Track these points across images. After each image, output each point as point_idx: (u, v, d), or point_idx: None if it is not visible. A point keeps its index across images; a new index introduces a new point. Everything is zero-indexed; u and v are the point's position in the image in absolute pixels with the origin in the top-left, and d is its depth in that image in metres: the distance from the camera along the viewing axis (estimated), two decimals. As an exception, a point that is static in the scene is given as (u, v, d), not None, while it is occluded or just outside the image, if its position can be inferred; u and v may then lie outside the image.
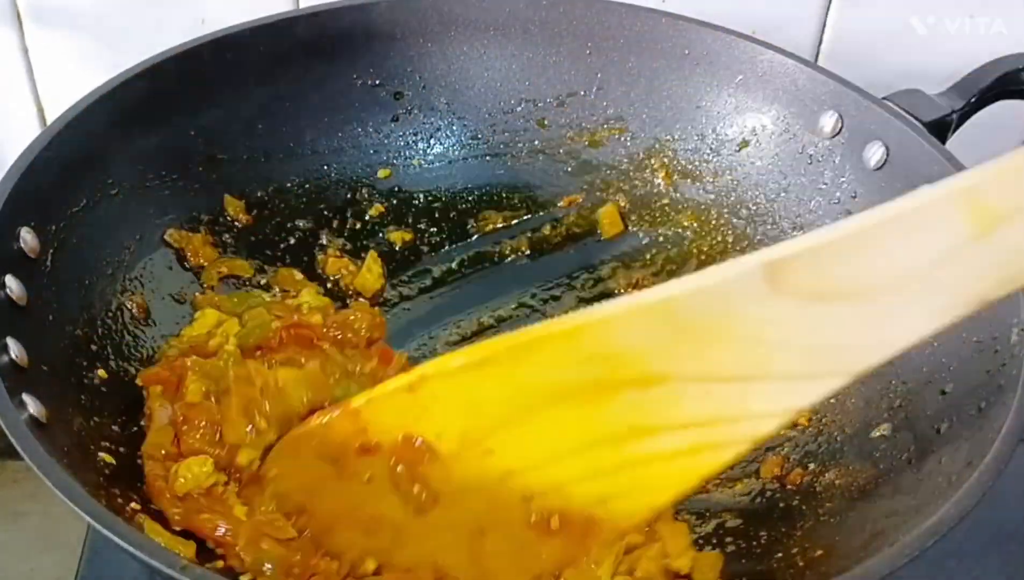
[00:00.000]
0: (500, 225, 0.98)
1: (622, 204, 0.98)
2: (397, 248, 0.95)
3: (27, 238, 0.69)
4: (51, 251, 0.71)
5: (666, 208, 0.97)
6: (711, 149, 0.97)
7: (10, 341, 0.63)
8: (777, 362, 0.44)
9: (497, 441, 0.51)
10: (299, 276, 0.90)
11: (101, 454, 0.67)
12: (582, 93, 0.97)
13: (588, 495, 0.51)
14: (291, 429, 0.65)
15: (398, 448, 0.53)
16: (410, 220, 0.97)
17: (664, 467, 0.49)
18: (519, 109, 0.99)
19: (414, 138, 0.99)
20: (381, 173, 0.97)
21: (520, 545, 0.53)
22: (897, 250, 0.41)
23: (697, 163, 0.97)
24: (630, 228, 0.97)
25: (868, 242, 0.41)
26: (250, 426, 0.66)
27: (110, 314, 0.77)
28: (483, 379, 0.50)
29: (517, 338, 0.50)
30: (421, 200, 0.98)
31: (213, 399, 0.69)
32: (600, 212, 0.98)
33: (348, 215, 0.95)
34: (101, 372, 0.73)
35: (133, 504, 0.64)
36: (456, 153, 1.00)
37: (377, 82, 0.96)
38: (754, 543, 0.72)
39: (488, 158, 0.99)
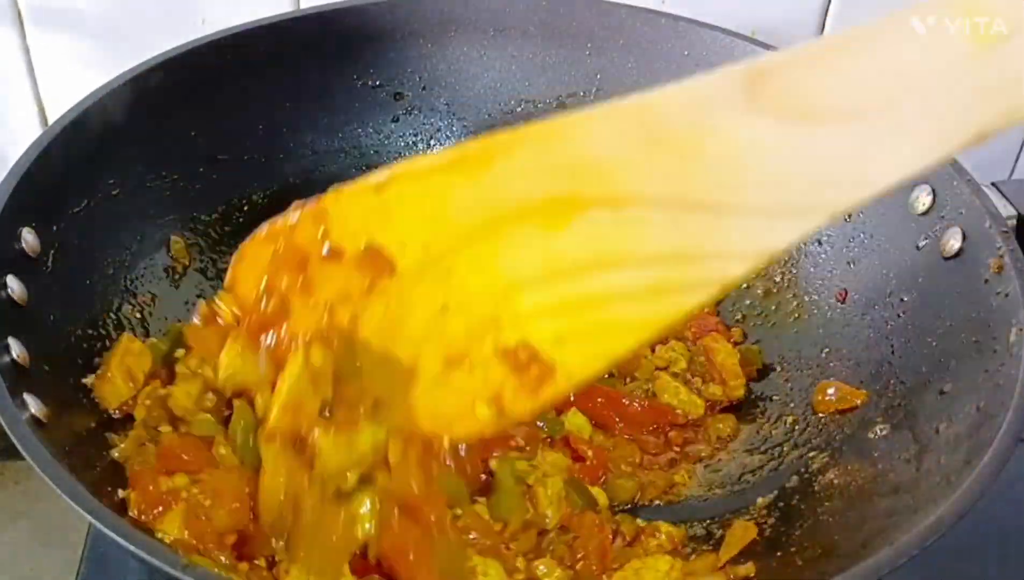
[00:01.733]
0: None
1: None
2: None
3: (28, 238, 0.69)
4: (52, 251, 0.72)
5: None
6: (711, 149, 0.97)
7: (11, 341, 0.63)
8: (751, 191, 0.40)
9: (459, 258, 0.49)
10: None
11: (102, 454, 0.67)
12: (582, 93, 0.97)
13: (546, 332, 0.49)
14: None
15: (361, 257, 0.52)
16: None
17: (625, 309, 0.46)
18: (519, 110, 0.99)
19: (414, 139, 0.99)
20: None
21: (483, 371, 0.51)
22: (889, 63, 0.35)
23: (697, 163, 0.97)
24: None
25: (859, 53, 0.36)
26: None
27: (111, 314, 0.77)
28: (450, 185, 0.49)
29: (487, 141, 0.49)
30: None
31: None
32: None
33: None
34: (102, 372, 0.73)
35: (134, 503, 0.64)
36: (456, 153, 1.00)
37: (377, 82, 0.96)
38: (753, 542, 0.72)
39: (488, 158, 0.99)
